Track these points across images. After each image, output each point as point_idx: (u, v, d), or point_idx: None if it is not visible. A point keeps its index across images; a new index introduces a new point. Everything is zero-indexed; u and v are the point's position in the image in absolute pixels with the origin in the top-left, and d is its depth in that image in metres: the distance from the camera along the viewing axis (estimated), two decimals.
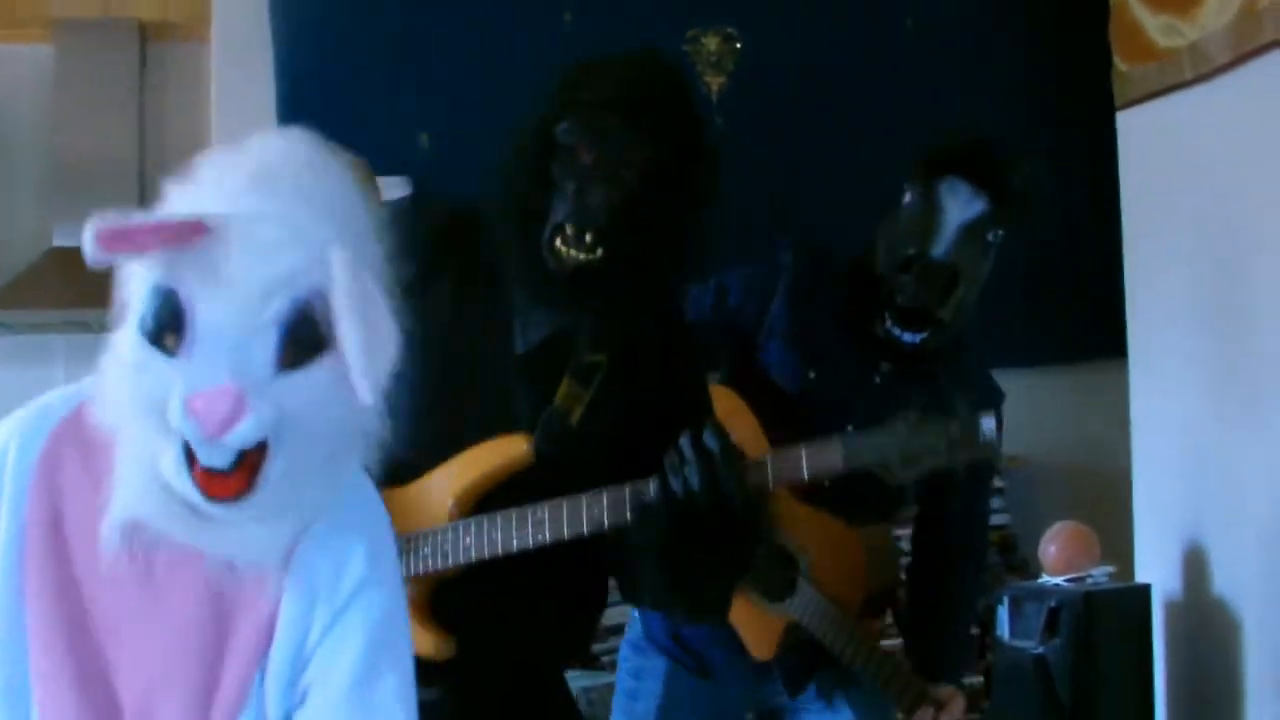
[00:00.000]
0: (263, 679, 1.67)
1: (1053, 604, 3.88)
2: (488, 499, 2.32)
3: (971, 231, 2.91)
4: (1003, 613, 4.04)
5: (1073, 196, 5.26)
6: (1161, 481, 4.30)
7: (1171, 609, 4.15)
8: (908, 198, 2.97)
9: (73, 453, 1.70)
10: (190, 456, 1.55)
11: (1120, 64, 4.40)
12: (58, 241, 4.97)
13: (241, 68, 4.96)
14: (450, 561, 2.28)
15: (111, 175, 5.16)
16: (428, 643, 2.24)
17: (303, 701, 1.70)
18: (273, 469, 1.58)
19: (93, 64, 5.29)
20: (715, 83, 5.23)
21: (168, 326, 1.55)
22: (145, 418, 1.57)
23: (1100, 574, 3.98)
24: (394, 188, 4.41)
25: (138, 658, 1.66)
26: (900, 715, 3.03)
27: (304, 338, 1.56)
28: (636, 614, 3.24)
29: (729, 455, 2.16)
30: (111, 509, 1.61)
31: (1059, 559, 4.03)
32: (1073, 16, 5.08)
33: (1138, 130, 4.40)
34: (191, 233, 1.54)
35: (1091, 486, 5.10)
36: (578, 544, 2.27)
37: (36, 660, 1.65)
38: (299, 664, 1.69)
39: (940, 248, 2.90)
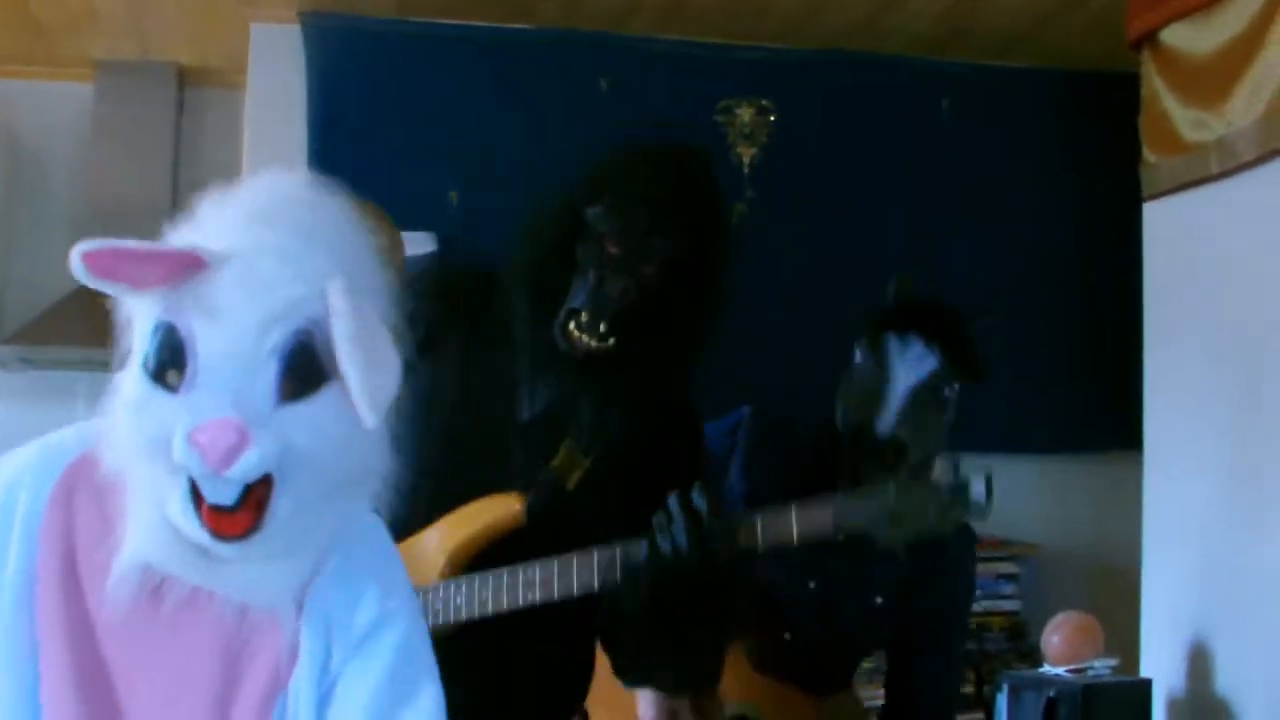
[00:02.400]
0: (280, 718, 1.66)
1: (1051, 694, 3.83)
2: (481, 559, 2.32)
3: (923, 392, 2.79)
4: (1002, 700, 3.98)
5: (1096, 285, 5.27)
6: (1170, 576, 4.25)
7: (1174, 705, 4.10)
8: (858, 357, 2.87)
9: (84, 495, 1.68)
10: (197, 495, 1.54)
11: (1149, 155, 4.39)
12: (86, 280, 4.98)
13: (275, 117, 4.97)
14: (441, 620, 2.29)
15: (144, 217, 5.05)
16: None
17: None
18: (280, 505, 1.57)
19: (130, 106, 5.37)
20: (747, 154, 5.24)
21: (169, 363, 1.55)
22: (151, 458, 1.56)
23: (1102, 666, 3.93)
24: (420, 243, 4.42)
25: (149, 699, 1.64)
26: None
27: (304, 369, 1.56)
28: None
29: (716, 512, 2.16)
30: (122, 553, 1.60)
31: (1062, 649, 3.98)
32: (1106, 106, 5.09)
33: (1163, 222, 4.39)
34: (187, 265, 1.55)
35: (1102, 577, 5.08)
36: (568, 608, 2.27)
37: (50, 699, 1.63)
38: (319, 700, 1.67)
39: (887, 421, 2.79)
